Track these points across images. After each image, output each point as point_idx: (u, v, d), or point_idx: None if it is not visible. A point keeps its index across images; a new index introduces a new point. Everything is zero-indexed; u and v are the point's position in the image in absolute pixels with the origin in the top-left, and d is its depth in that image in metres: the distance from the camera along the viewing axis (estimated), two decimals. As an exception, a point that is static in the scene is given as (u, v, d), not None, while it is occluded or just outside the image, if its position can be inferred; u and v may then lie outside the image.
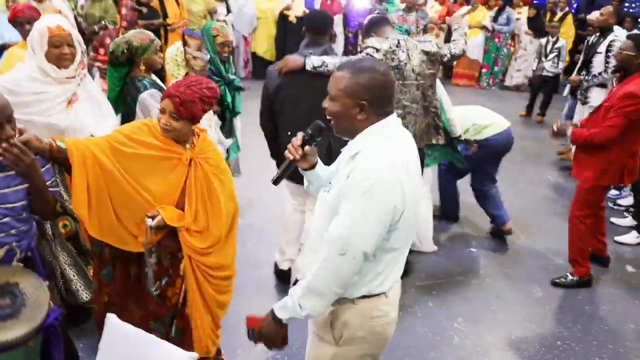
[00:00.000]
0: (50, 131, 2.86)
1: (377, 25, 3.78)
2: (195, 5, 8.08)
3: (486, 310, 3.68)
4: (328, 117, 1.92)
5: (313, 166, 2.12)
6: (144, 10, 7.38)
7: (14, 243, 2.12)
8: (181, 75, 3.92)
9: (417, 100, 3.62)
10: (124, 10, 4.86)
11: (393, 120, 1.89)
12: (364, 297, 1.91)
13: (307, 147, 2.05)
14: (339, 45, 9.72)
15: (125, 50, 3.23)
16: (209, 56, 3.96)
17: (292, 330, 2.11)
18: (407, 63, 3.53)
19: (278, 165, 3.66)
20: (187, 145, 2.45)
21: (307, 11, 9.15)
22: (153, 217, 2.29)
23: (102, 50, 5.40)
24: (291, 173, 3.48)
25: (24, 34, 3.63)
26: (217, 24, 4.22)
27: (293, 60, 3.38)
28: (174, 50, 4.06)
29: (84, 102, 3.03)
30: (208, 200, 2.46)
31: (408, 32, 4.19)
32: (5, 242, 2.09)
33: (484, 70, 10.32)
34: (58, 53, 2.84)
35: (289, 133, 3.40)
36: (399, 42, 3.56)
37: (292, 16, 9.04)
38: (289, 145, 2.06)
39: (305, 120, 3.26)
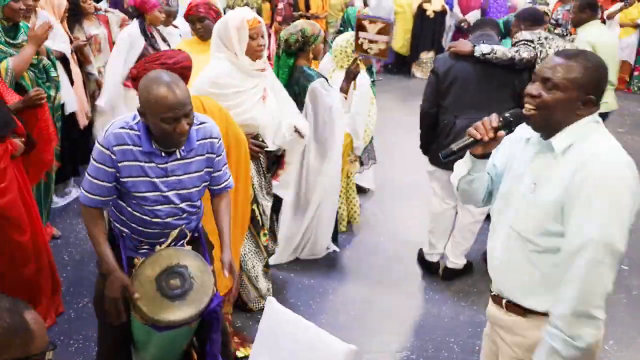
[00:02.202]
0: (248, 127, 2.98)
1: (535, 21, 3.85)
2: (334, -2, 8.20)
3: (641, 337, 3.37)
4: (537, 106, 1.75)
5: (486, 155, 1.91)
6: (287, 2, 7.64)
7: (184, 225, 2.23)
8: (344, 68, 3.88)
9: None
10: (280, 5, 4.96)
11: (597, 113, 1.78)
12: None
13: (500, 132, 1.83)
14: (475, 41, 9.37)
15: (299, 39, 3.34)
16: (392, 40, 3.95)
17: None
18: None
19: (431, 160, 3.70)
20: None
21: (446, 6, 8.93)
22: None
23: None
24: (437, 157, 3.54)
25: (197, 32, 3.66)
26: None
27: (463, 44, 3.51)
28: (344, 42, 4.00)
29: (272, 96, 3.11)
30: None
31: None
32: (178, 224, 2.20)
33: (635, 73, 9.49)
34: (255, 45, 2.87)
35: (455, 115, 3.50)
36: (546, 38, 3.66)
37: (430, 10, 8.86)
38: (479, 123, 1.83)
39: (472, 106, 3.45)
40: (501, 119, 1.82)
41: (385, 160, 5.30)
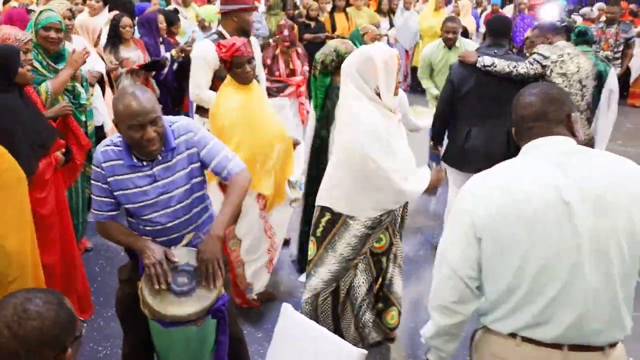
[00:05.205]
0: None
1: (554, 31, 4.18)
2: (359, 19, 8.33)
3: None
4: None
5: None
6: (312, 24, 7.81)
7: (193, 228, 2.36)
8: None
9: (581, 110, 3.96)
10: (285, 32, 5.07)
11: (540, 143, 1.74)
12: (489, 329, 1.81)
13: None
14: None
15: (334, 58, 3.46)
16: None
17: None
18: (575, 74, 3.91)
19: (445, 160, 4.05)
20: None
21: (474, 24, 8.99)
22: None
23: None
24: (453, 158, 3.93)
25: (247, 75, 3.25)
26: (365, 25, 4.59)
27: (469, 54, 3.86)
28: None
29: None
30: None
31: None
32: (184, 226, 2.34)
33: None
34: (396, 81, 2.78)
35: (470, 123, 3.86)
36: (569, 53, 3.93)
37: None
38: None
39: (486, 115, 3.77)
40: None
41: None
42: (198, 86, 3.86)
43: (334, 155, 2.91)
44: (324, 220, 2.92)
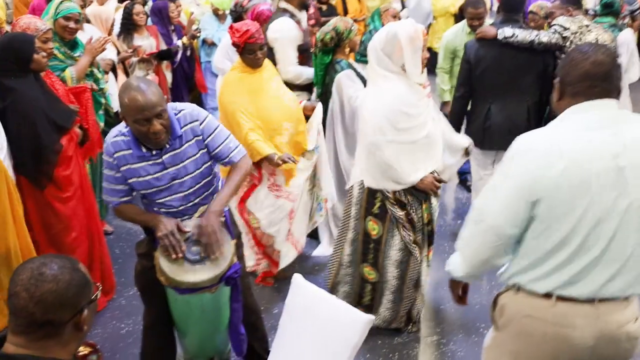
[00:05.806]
0: (430, 150, 2.90)
1: (576, 4, 4.17)
2: (370, 1, 8.30)
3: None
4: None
5: None
6: (324, 7, 7.82)
7: (205, 206, 2.44)
8: None
9: None
10: (311, 10, 5.11)
11: (588, 105, 1.74)
12: (521, 289, 1.84)
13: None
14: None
15: (334, 36, 3.56)
16: None
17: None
18: None
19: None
20: None
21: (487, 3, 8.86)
22: None
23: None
24: (474, 137, 3.70)
25: (257, 61, 3.32)
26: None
27: (488, 29, 3.82)
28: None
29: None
30: None
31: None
32: (195, 209, 2.43)
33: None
34: (423, 57, 2.78)
35: (489, 101, 3.83)
36: (588, 26, 3.85)
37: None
38: None
39: (505, 91, 3.76)
40: None
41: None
42: (292, 63, 4.01)
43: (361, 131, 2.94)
44: (377, 200, 2.93)
